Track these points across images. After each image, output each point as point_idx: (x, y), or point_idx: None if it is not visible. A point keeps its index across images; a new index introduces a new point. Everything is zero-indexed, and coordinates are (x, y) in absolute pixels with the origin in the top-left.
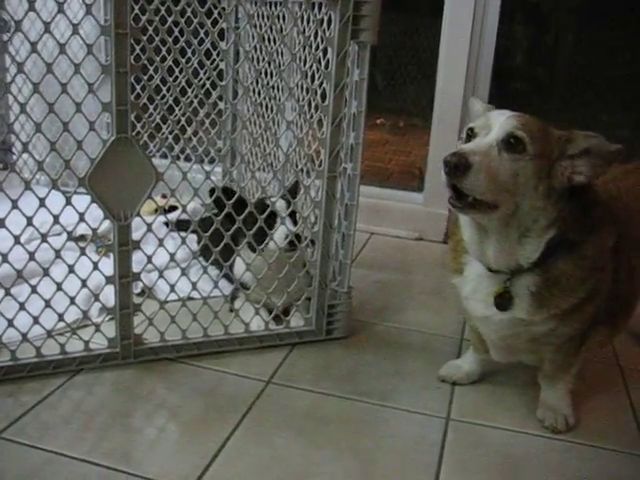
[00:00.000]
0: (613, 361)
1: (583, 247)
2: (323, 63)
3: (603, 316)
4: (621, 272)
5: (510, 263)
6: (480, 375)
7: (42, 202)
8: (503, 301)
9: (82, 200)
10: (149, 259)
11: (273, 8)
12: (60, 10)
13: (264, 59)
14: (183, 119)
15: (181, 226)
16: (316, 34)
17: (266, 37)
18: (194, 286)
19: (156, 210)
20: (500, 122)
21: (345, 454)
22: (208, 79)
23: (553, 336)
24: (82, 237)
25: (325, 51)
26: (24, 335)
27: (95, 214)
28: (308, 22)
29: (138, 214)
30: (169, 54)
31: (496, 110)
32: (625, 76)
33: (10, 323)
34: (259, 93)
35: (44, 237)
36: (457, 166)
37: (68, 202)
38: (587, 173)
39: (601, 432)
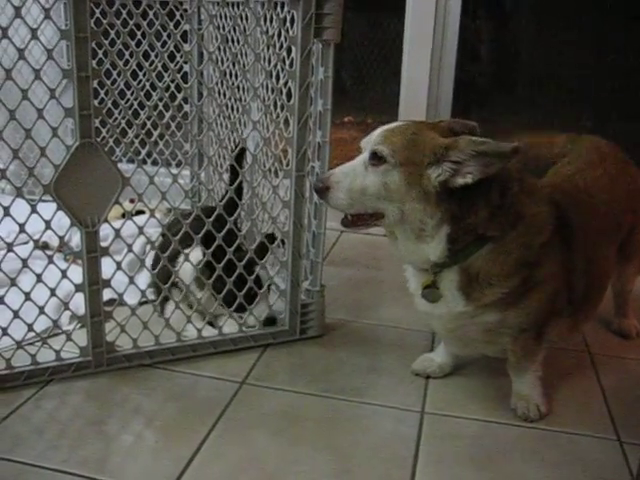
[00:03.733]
0: (583, 348)
1: (501, 244)
2: (287, 62)
3: (562, 307)
4: (577, 265)
5: (422, 261)
6: (453, 367)
7: (7, 211)
8: (430, 293)
9: (50, 208)
10: (118, 265)
11: (235, 8)
12: (18, 15)
13: (228, 60)
14: (148, 123)
15: None
16: (279, 33)
17: (229, 38)
18: (166, 292)
19: (123, 215)
20: (371, 139)
21: (322, 452)
22: (172, 81)
23: (504, 327)
24: (46, 245)
25: (289, 50)
26: None
27: (64, 222)
28: (271, 21)
29: (106, 220)
30: (132, 57)
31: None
32: (588, 69)
33: None
34: (224, 94)
35: (10, 246)
36: (317, 190)
37: (34, 210)
38: (476, 174)
39: (574, 419)
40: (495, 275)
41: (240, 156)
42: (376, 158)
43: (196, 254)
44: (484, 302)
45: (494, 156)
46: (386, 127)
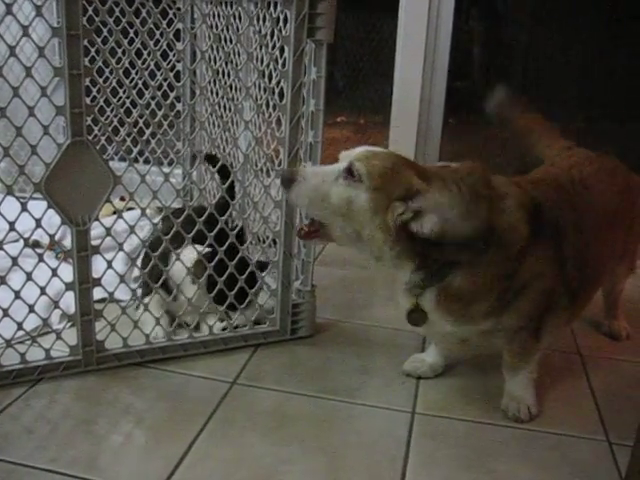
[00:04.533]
0: (574, 350)
1: (477, 262)
2: (280, 62)
3: (557, 302)
4: (569, 260)
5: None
6: (444, 368)
7: None
8: (415, 318)
9: (41, 206)
10: (109, 264)
11: (229, 8)
12: (9, 12)
13: (221, 59)
14: (141, 121)
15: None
16: (272, 33)
17: (222, 37)
18: (157, 291)
19: (114, 212)
20: (352, 154)
21: (312, 452)
22: (165, 80)
23: (498, 330)
24: (37, 243)
25: (282, 50)
26: None
27: (55, 220)
28: (264, 21)
29: (96, 218)
30: (125, 55)
31: (365, 146)
32: (582, 70)
33: None
34: (217, 93)
35: (0, 245)
36: (283, 180)
37: (24, 208)
38: (432, 234)
39: (564, 420)
40: (477, 292)
41: (222, 168)
42: (350, 173)
43: (190, 252)
44: (470, 316)
45: (454, 232)
46: (369, 148)
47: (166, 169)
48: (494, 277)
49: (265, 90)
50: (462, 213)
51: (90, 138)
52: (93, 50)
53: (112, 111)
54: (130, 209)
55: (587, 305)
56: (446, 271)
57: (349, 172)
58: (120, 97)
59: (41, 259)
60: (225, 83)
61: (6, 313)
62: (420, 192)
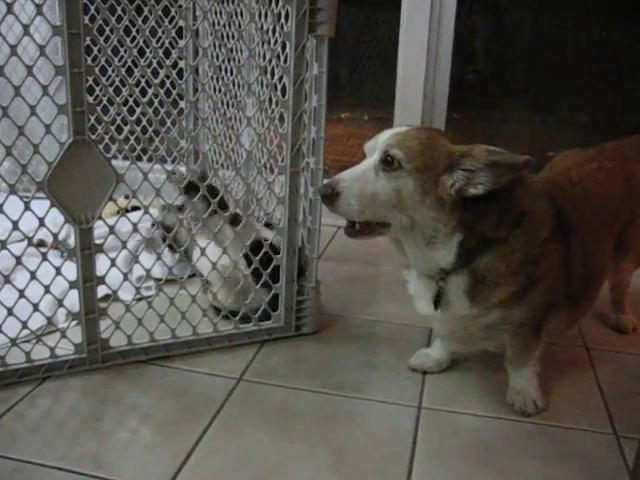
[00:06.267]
0: (580, 343)
1: (507, 244)
2: (282, 58)
3: (559, 301)
4: (574, 259)
5: (431, 267)
6: (450, 363)
7: (0, 208)
8: (439, 301)
9: (45, 205)
10: (113, 262)
11: (230, 4)
12: (10, 11)
13: (223, 54)
14: (144, 119)
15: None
16: (274, 29)
17: (224, 34)
18: (160, 288)
19: (118, 212)
20: (380, 142)
21: (319, 447)
22: (167, 77)
23: (505, 324)
24: (43, 242)
25: (283, 46)
26: None
27: (59, 219)
28: (265, 17)
29: (100, 217)
30: (127, 53)
31: (387, 130)
32: (580, 63)
33: None
34: (219, 90)
35: (4, 244)
36: (326, 196)
37: (27, 207)
38: (487, 185)
39: (570, 413)
40: (502, 275)
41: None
42: (389, 163)
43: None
44: (491, 302)
45: (506, 168)
46: (396, 131)
47: (169, 166)
48: (521, 260)
49: (267, 86)
50: (506, 157)
51: (93, 137)
52: (96, 49)
53: (115, 109)
54: (135, 208)
55: (589, 309)
56: (478, 252)
57: (386, 162)
58: (123, 95)
59: (45, 258)
60: (227, 80)
61: (11, 312)
62: (463, 155)
